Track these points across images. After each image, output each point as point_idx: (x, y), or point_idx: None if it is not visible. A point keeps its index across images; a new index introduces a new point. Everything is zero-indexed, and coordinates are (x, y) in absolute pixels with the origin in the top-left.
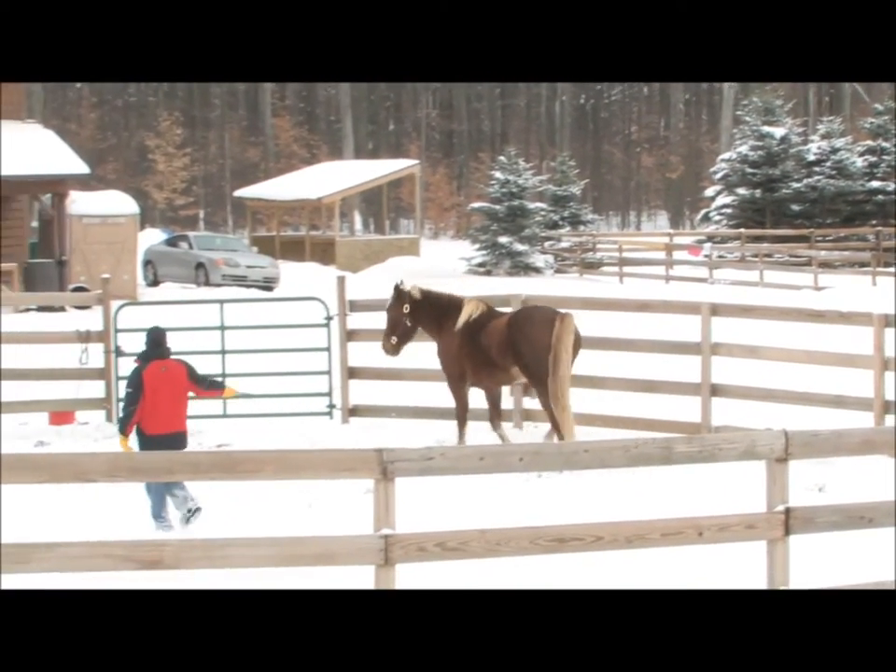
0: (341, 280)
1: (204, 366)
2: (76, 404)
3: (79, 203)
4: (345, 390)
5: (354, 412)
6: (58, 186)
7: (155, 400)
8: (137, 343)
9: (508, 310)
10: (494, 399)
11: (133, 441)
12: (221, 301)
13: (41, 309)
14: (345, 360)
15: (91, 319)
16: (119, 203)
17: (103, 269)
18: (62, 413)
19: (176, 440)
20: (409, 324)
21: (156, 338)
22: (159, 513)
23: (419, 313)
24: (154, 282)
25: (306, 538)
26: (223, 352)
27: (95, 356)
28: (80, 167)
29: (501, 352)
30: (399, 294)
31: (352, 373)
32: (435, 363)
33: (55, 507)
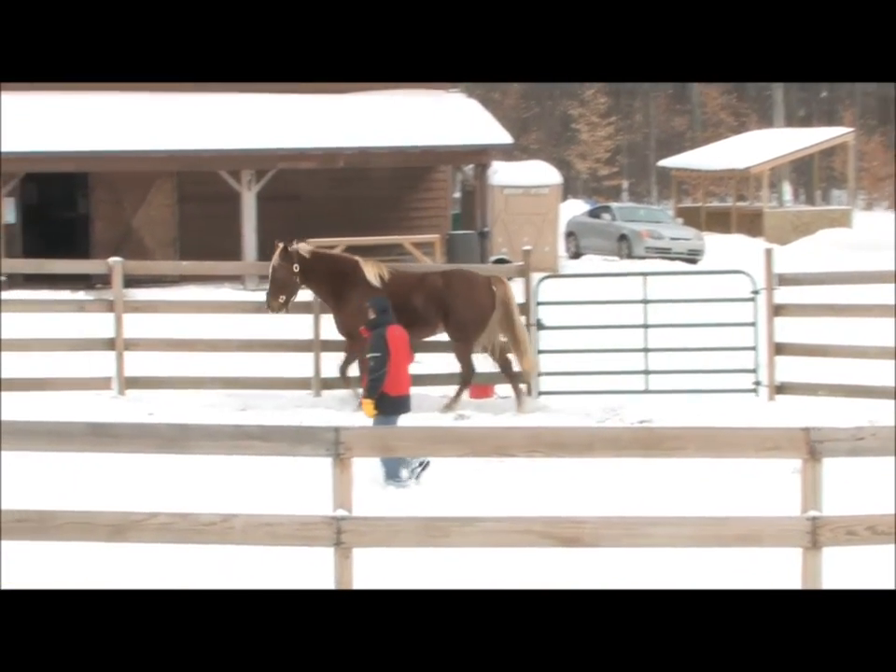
0: (768, 252)
1: (627, 340)
2: (495, 378)
3: (502, 173)
4: (772, 367)
5: (780, 389)
6: (481, 156)
7: (397, 363)
8: (558, 316)
9: (421, 269)
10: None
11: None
12: (644, 274)
13: None
14: (772, 336)
15: (513, 291)
16: (541, 173)
17: (524, 240)
18: (481, 387)
19: (409, 400)
20: (298, 282)
21: (385, 306)
22: (396, 473)
23: (309, 272)
24: (576, 254)
25: (730, 518)
26: (645, 326)
27: None
28: (504, 137)
29: (434, 310)
30: (287, 254)
31: (779, 349)
32: (864, 339)
33: (476, 480)
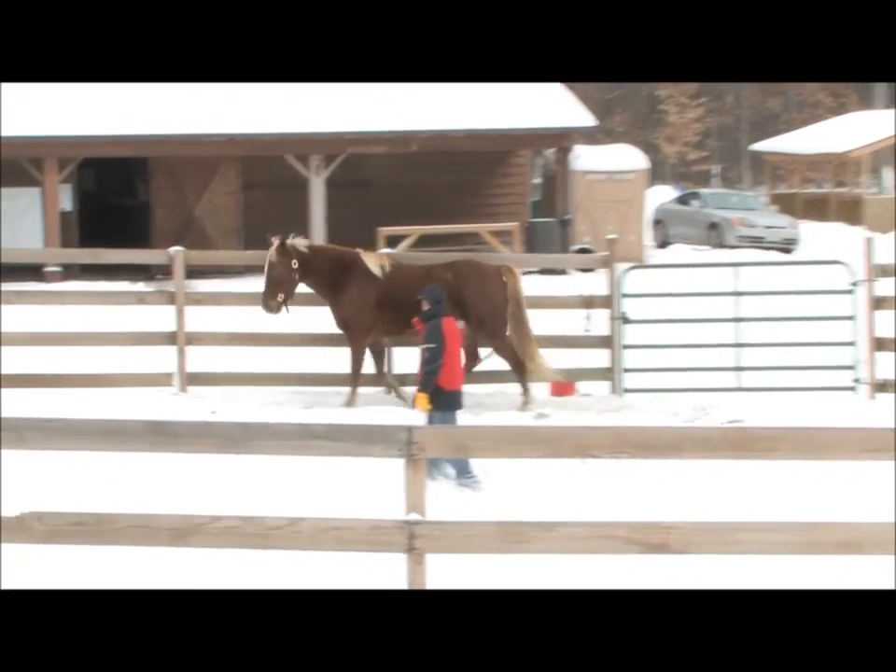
0: (868, 241)
1: (717, 335)
2: (577, 374)
3: (584, 157)
4: (872, 363)
5: (881, 387)
6: (562, 139)
7: (452, 356)
8: (644, 310)
9: (427, 261)
10: (383, 351)
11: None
12: (736, 265)
13: (543, 271)
14: (873, 330)
15: (596, 283)
16: (626, 157)
17: (608, 229)
18: (563, 384)
19: (462, 396)
20: (297, 279)
21: (439, 296)
22: (466, 469)
23: (309, 268)
24: (663, 243)
25: (828, 524)
26: (737, 320)
27: (599, 322)
28: (587, 119)
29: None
30: (284, 249)
31: (880, 345)
32: None
33: (553, 482)
